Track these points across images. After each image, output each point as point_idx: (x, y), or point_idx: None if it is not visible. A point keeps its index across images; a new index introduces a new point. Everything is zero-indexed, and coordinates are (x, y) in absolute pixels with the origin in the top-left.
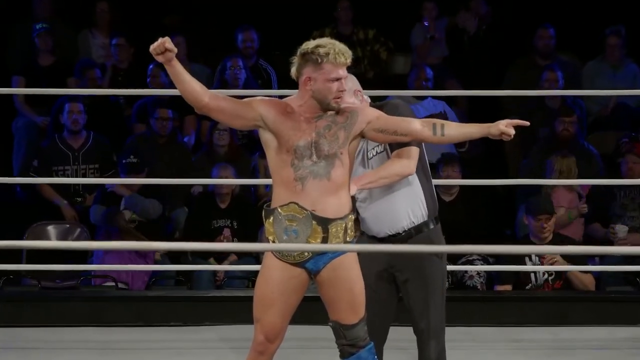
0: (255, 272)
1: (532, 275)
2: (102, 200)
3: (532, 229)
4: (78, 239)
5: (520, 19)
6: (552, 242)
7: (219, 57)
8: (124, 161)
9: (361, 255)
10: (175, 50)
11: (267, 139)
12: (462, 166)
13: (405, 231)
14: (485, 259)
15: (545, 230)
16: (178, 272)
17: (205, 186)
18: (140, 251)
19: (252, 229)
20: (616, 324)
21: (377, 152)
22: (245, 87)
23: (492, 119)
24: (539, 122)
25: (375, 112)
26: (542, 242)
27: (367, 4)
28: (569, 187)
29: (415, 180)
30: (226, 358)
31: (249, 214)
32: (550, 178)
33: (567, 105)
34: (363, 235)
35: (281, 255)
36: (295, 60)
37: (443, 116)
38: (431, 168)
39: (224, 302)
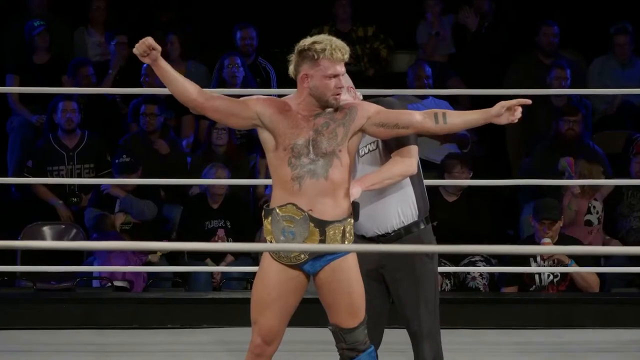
0: (253, 274)
1: (537, 276)
2: (96, 203)
3: (536, 230)
4: (74, 239)
5: (523, 16)
6: (557, 243)
7: (216, 54)
8: (117, 161)
9: None
10: (160, 48)
11: (265, 137)
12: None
13: (394, 231)
14: (488, 260)
15: (547, 235)
16: (175, 274)
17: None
18: (138, 252)
19: (246, 229)
20: (621, 326)
21: (369, 149)
22: (243, 86)
23: None
24: (544, 120)
25: (374, 107)
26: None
27: (366, 1)
28: (587, 194)
29: (407, 180)
30: None
31: (242, 214)
32: (571, 179)
33: (572, 104)
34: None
35: (278, 256)
36: (293, 58)
37: None
38: (438, 168)
39: (221, 304)
